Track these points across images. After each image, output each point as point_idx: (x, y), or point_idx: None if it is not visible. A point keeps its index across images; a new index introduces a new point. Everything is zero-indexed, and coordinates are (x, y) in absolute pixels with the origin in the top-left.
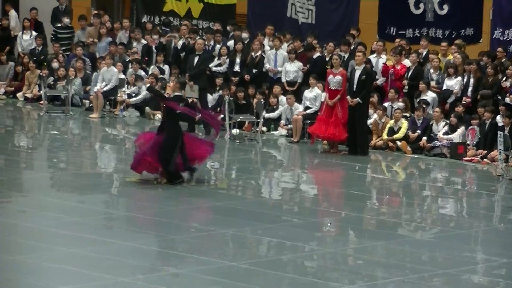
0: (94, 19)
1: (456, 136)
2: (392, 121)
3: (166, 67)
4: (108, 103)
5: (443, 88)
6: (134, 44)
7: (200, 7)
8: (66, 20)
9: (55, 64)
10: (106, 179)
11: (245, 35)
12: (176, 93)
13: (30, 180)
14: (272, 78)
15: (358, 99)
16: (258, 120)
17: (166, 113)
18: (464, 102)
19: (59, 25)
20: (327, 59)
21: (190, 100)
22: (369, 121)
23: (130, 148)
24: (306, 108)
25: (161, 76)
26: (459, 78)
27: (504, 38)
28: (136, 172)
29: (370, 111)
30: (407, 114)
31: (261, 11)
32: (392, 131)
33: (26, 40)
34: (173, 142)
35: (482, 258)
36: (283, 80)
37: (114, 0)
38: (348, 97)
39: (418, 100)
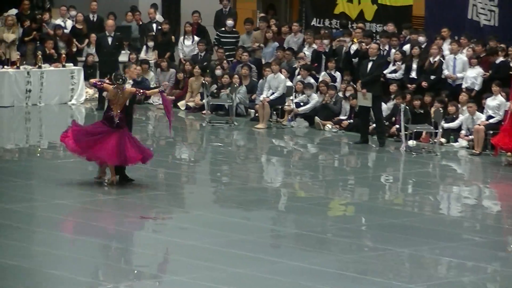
0: (260, 23)
1: None
2: None
3: (337, 74)
4: (275, 112)
5: None
6: (305, 48)
7: (374, 9)
8: (230, 23)
9: (218, 71)
10: (273, 194)
11: (421, 38)
12: None
13: (192, 195)
14: (451, 84)
15: None
16: (437, 131)
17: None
18: None
19: (223, 29)
20: (511, 64)
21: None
22: None
23: (297, 161)
24: (489, 117)
25: (332, 83)
26: None
27: None
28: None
29: None
30: None
31: (439, 13)
32: None
33: (187, 45)
34: None
35: None
36: (463, 86)
37: (282, 2)
38: None
39: None
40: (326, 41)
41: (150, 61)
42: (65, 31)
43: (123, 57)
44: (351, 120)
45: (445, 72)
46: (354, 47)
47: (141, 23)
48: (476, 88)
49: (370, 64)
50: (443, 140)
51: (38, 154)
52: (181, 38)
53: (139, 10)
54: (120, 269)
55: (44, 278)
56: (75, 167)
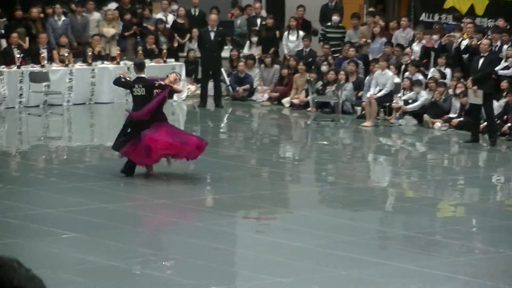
0: (367, 17)
1: None
2: None
3: (447, 71)
4: (382, 110)
5: None
6: (414, 44)
7: (485, 3)
8: (335, 18)
9: (324, 67)
10: (380, 194)
11: None
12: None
13: (297, 195)
14: None
15: None
16: None
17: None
18: None
19: (329, 24)
20: None
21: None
22: None
23: (405, 160)
24: None
25: (441, 80)
26: None
27: None
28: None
29: None
30: None
31: None
32: None
33: (292, 41)
34: None
35: None
36: None
37: None
38: None
39: None
40: (435, 37)
41: (255, 57)
42: (167, 25)
43: (226, 52)
44: (462, 118)
45: None
46: (464, 43)
47: (248, 17)
48: None
49: (481, 61)
50: None
51: None
52: (286, 33)
53: (249, 4)
54: (224, 271)
55: (148, 280)
56: (175, 165)
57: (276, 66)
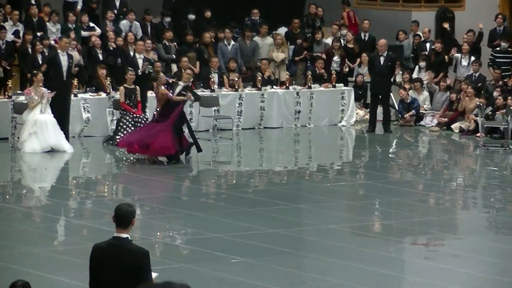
0: None
1: None
2: None
3: None
4: None
5: None
6: None
7: None
8: (504, 44)
9: (495, 93)
10: None
11: None
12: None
13: (465, 221)
14: None
15: None
16: None
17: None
18: None
19: (497, 48)
20: None
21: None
22: None
23: None
24: None
25: None
26: None
27: None
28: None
29: None
30: None
31: None
32: None
33: (462, 65)
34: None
35: None
36: None
37: None
38: None
39: None
40: None
41: (423, 81)
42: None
43: (396, 77)
44: None
45: None
46: None
47: (417, 42)
48: None
49: None
50: None
51: (307, 177)
52: (459, 57)
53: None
54: None
55: None
56: (344, 191)
57: (448, 92)
